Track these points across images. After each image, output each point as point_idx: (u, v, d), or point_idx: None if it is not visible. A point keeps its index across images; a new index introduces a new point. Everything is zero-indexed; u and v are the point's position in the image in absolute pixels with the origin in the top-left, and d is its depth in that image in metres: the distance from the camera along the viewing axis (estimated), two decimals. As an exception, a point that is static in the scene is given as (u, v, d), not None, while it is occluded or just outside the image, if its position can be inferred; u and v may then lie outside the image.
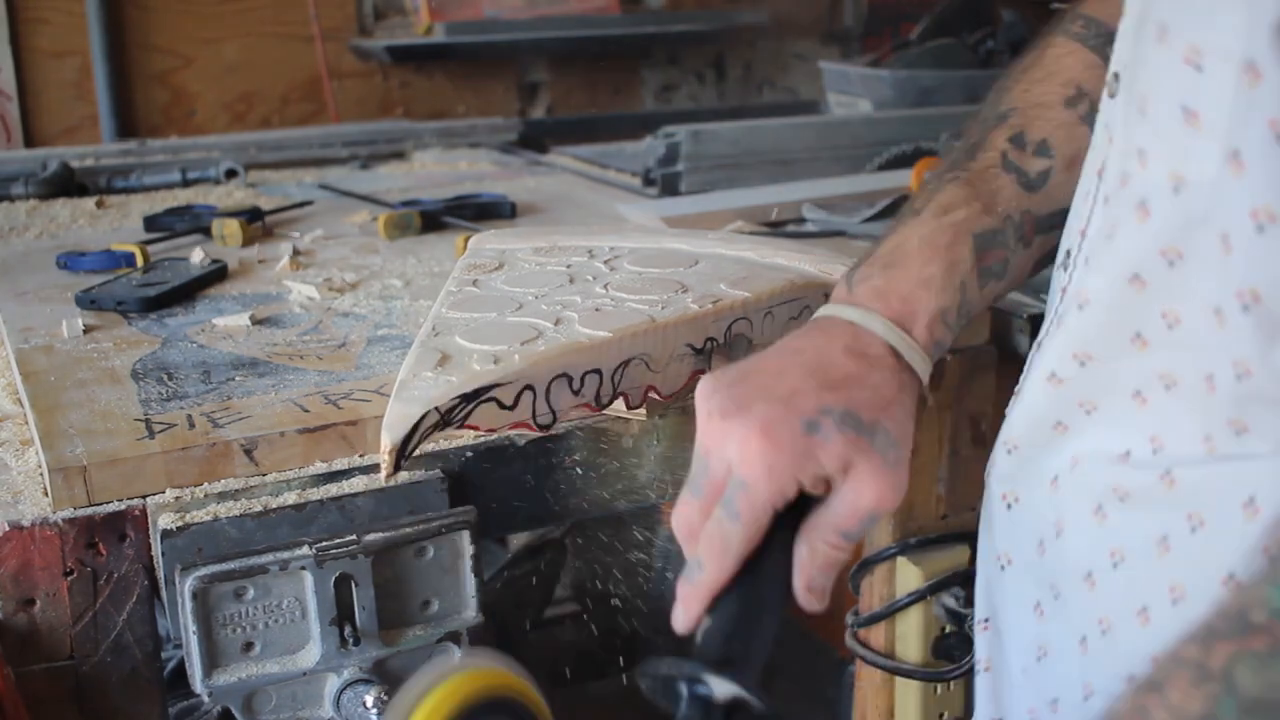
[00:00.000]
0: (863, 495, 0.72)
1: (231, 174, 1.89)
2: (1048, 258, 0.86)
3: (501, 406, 0.87)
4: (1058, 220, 0.84)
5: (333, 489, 0.90)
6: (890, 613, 1.17)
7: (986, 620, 0.90)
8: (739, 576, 0.72)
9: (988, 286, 0.83)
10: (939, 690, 1.18)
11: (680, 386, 0.97)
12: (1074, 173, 0.82)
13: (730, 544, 0.72)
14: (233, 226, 1.49)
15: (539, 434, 0.94)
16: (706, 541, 0.72)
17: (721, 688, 0.67)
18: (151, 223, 1.58)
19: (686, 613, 0.73)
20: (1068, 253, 0.81)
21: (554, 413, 0.90)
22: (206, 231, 1.52)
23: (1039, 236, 0.84)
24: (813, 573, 0.73)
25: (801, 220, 1.60)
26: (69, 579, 0.86)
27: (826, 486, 0.73)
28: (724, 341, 1.00)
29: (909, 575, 1.15)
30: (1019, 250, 0.84)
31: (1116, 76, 0.76)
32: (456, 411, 0.86)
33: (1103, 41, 0.87)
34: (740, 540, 0.72)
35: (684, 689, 0.68)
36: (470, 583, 0.92)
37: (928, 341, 0.78)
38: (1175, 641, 0.53)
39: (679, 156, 1.80)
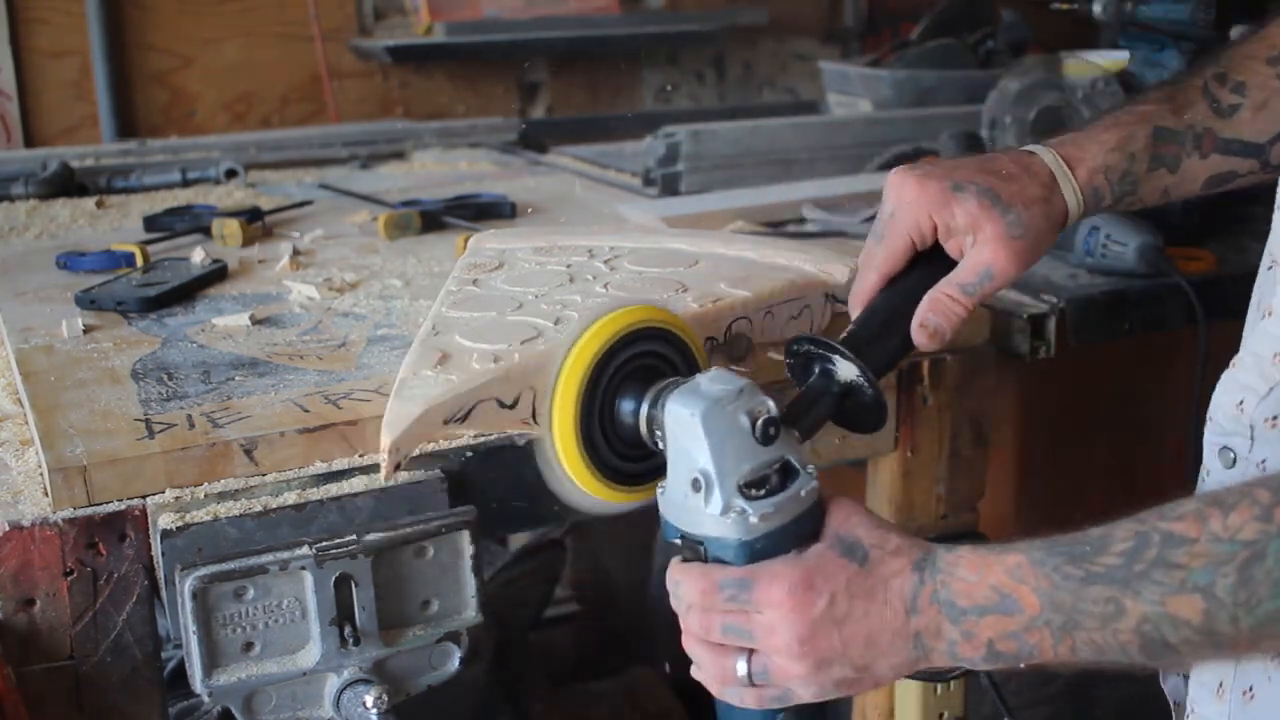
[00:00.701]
0: (983, 253, 0.89)
1: (231, 174, 1.89)
2: (1220, 179, 0.96)
3: (501, 405, 0.88)
4: (1236, 148, 0.95)
5: (333, 489, 0.90)
6: (890, 612, 1.16)
7: None
8: (881, 298, 0.91)
9: (1156, 172, 0.95)
10: (939, 690, 1.18)
11: (680, 386, 0.97)
12: (1261, 114, 0.95)
13: (873, 258, 0.92)
14: (233, 226, 1.49)
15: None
16: (864, 258, 0.93)
17: (846, 370, 0.85)
18: (151, 223, 1.58)
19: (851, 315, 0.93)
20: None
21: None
22: (206, 231, 1.52)
23: (1216, 154, 0.95)
24: (927, 313, 0.90)
25: (801, 220, 1.60)
26: (69, 579, 0.86)
27: (959, 252, 0.90)
28: (724, 340, 1.00)
29: (909, 575, 1.15)
30: (1194, 156, 0.95)
31: None
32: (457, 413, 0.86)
33: None
34: (880, 257, 0.91)
35: (816, 367, 0.86)
36: (470, 583, 0.92)
37: (1085, 182, 0.92)
38: (1253, 481, 0.69)
39: (679, 156, 1.79)
